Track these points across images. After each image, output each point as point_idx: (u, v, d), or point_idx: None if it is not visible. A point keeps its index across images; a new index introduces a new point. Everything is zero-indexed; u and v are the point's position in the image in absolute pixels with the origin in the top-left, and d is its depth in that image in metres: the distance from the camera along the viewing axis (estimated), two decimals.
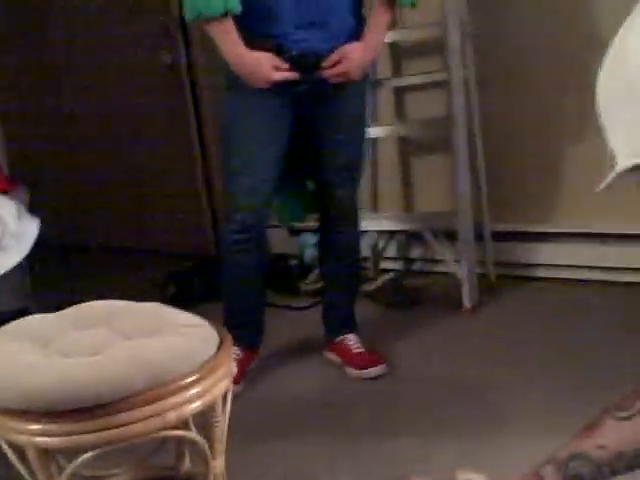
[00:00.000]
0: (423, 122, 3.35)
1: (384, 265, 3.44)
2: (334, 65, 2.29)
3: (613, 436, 1.07)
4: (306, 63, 2.28)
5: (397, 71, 3.42)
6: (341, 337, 2.60)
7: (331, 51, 2.29)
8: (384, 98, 3.45)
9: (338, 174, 2.46)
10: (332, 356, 2.61)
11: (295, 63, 2.27)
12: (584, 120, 2.89)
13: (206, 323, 1.78)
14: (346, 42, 2.30)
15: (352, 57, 2.28)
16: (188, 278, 3.54)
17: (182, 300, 3.26)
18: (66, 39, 4.57)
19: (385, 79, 3.38)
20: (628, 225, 2.94)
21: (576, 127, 2.97)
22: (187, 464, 1.97)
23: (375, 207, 3.51)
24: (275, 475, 1.97)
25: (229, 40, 2.25)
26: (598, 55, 0.95)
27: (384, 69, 3.39)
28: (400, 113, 3.45)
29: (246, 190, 2.38)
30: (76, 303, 1.85)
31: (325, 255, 2.65)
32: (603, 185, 0.89)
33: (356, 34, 2.33)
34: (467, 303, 2.94)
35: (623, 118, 0.84)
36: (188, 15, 2.25)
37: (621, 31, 0.87)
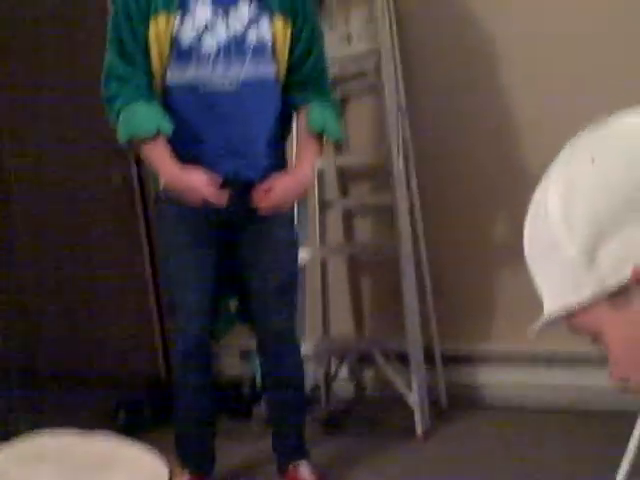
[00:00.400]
0: (371, 244, 3.39)
1: (336, 390, 3.40)
2: (263, 194, 2.32)
3: None
4: (234, 190, 2.32)
5: (345, 193, 3.47)
6: (292, 465, 2.54)
7: (259, 180, 2.33)
8: (332, 219, 3.50)
9: (271, 300, 2.44)
10: None
11: (223, 188, 2.31)
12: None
13: (156, 456, 1.73)
14: (272, 171, 2.34)
15: (280, 189, 2.33)
16: (139, 404, 3.46)
17: (133, 427, 3.18)
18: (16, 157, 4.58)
19: (333, 200, 3.44)
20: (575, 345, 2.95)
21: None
22: None
23: (326, 330, 3.50)
24: None
25: (163, 159, 2.30)
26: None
27: (332, 190, 3.45)
28: (348, 234, 3.49)
29: (184, 312, 2.41)
30: (21, 434, 1.79)
31: (267, 383, 2.62)
32: (535, 329, 0.91)
33: (281, 164, 2.39)
34: (419, 430, 2.90)
35: (549, 269, 0.87)
36: (121, 137, 2.29)
37: (543, 182, 0.89)
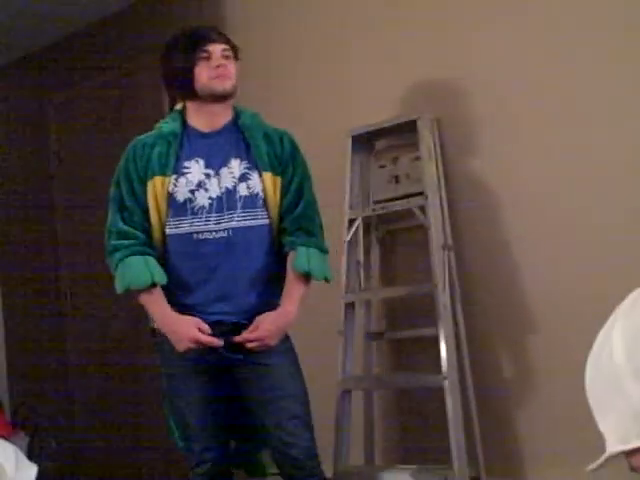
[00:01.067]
0: (417, 376, 3.46)
1: None
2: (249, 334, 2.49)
3: None
4: (222, 332, 2.50)
5: (391, 325, 3.58)
6: None
7: (247, 321, 2.51)
8: (379, 351, 3.59)
9: (283, 432, 2.51)
10: None
11: (214, 331, 2.49)
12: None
13: None
14: (261, 312, 2.52)
15: (265, 326, 2.50)
16: None
17: None
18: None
19: (380, 332, 3.54)
20: None
21: (574, 386, 3.06)
22: None
23: (368, 460, 3.52)
24: None
25: (157, 307, 2.52)
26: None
27: (379, 322, 3.57)
28: (395, 366, 3.57)
29: (196, 455, 2.56)
30: None
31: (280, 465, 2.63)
32: (594, 466, 0.91)
33: (275, 303, 2.56)
34: None
35: (611, 407, 0.89)
36: (119, 288, 2.52)
37: (607, 324, 0.92)
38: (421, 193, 3.26)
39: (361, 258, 3.49)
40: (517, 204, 3.23)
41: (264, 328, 2.50)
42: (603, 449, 0.91)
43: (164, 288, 2.52)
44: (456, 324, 3.20)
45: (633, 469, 0.89)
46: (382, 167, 3.50)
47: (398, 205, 3.38)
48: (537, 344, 3.20)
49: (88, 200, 4.43)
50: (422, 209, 3.24)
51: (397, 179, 3.44)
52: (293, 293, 2.58)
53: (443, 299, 3.11)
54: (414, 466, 3.26)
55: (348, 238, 3.45)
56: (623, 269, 2.81)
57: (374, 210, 3.47)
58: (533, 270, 3.19)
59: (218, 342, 2.49)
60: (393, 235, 3.58)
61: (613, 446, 0.89)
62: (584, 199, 3.05)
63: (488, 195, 3.29)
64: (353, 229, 3.45)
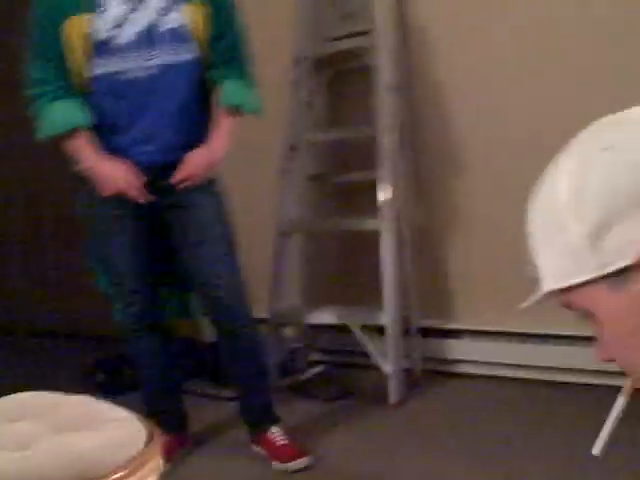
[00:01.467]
0: (355, 219, 3.48)
1: (313, 357, 3.50)
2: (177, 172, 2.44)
3: None
4: (151, 174, 2.44)
5: (334, 168, 3.56)
6: (263, 430, 2.63)
7: (176, 161, 2.44)
8: (319, 194, 3.58)
9: (210, 276, 2.51)
10: (258, 449, 2.64)
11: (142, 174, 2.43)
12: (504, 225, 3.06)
13: (134, 417, 1.80)
14: (188, 150, 2.45)
15: (193, 161, 2.44)
16: (117, 365, 3.52)
17: (111, 388, 3.25)
18: None
19: (321, 175, 3.52)
20: (548, 326, 3.08)
21: (499, 233, 3.12)
22: None
23: (305, 298, 3.59)
24: None
25: (85, 150, 2.43)
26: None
27: (322, 165, 3.54)
28: (336, 209, 3.58)
29: (121, 296, 2.56)
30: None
31: (224, 356, 2.67)
32: (527, 304, 0.92)
33: (202, 140, 2.48)
34: (393, 398, 3.01)
35: (550, 245, 0.88)
36: (43, 134, 2.43)
37: (552, 163, 0.90)
38: (370, 31, 3.14)
39: (307, 99, 3.40)
40: (474, 44, 3.17)
41: (192, 163, 2.43)
42: (537, 288, 0.91)
43: (93, 134, 2.43)
44: (403, 168, 3.18)
45: (566, 307, 0.89)
46: (333, 3, 3.35)
47: (346, 43, 3.27)
48: (478, 186, 3.23)
49: None
50: (370, 48, 3.14)
51: (348, 16, 3.31)
52: (222, 128, 2.50)
53: (385, 143, 3.08)
54: (348, 306, 3.34)
55: (294, 77, 3.35)
56: (560, 113, 2.85)
57: (322, 49, 3.35)
58: (480, 115, 3.17)
59: (144, 195, 2.43)
60: (342, 76, 3.49)
61: (548, 284, 0.89)
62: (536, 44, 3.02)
63: (443, 35, 3.21)
64: (299, 68, 3.34)
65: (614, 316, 0.85)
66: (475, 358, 3.29)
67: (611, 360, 0.89)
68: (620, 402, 0.97)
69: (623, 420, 0.96)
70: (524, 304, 0.93)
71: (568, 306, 0.89)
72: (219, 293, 2.51)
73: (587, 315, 0.88)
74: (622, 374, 0.93)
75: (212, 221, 2.51)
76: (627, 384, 0.95)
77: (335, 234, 3.59)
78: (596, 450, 0.98)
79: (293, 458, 2.53)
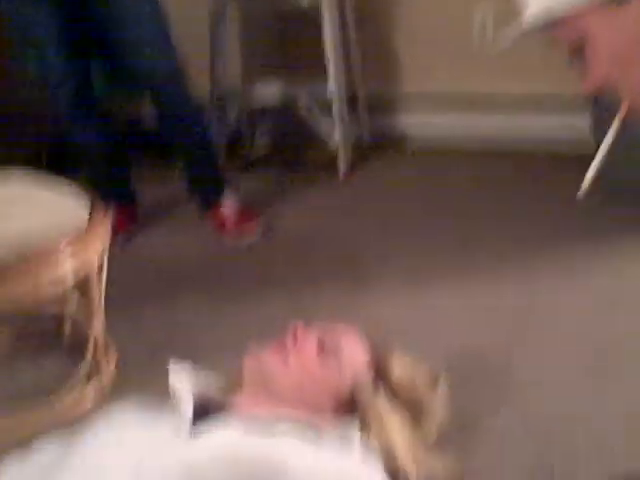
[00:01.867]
0: None
1: (260, 131, 3.44)
2: None
3: None
4: None
5: None
6: (214, 205, 2.62)
7: None
8: None
9: (143, 57, 2.36)
10: (209, 221, 2.65)
11: None
12: None
13: (78, 191, 1.76)
14: None
15: None
16: (62, 146, 3.42)
17: (57, 166, 3.17)
18: None
19: None
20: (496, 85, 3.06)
21: None
22: (68, 325, 2.00)
23: (249, 72, 3.46)
24: (158, 340, 2.03)
25: None
26: None
27: None
28: None
29: (51, 75, 2.41)
30: None
31: (167, 135, 2.60)
32: (510, 39, 0.89)
33: None
34: (341, 170, 3.02)
35: None
36: None
37: None
38: None
39: None
40: None
41: None
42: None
43: None
44: None
45: (551, 38, 0.87)
46: None
47: None
48: None
49: None
50: None
51: None
52: None
53: None
54: (292, 84, 3.25)
55: None
56: None
57: None
58: None
59: None
60: None
61: (535, 11, 0.84)
62: None
63: None
64: None
65: (609, 34, 0.83)
66: (425, 132, 3.27)
67: (605, 81, 0.87)
68: (614, 127, 0.95)
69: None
70: (505, 38, 0.88)
71: (555, 35, 0.86)
72: (154, 74, 2.39)
73: (577, 42, 0.85)
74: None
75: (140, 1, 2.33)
76: (623, 107, 0.92)
77: (275, 13, 3.40)
78: (581, 192, 0.97)
79: (244, 231, 2.56)
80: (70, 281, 1.59)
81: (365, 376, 1.32)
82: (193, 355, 1.83)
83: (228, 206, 2.62)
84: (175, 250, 2.55)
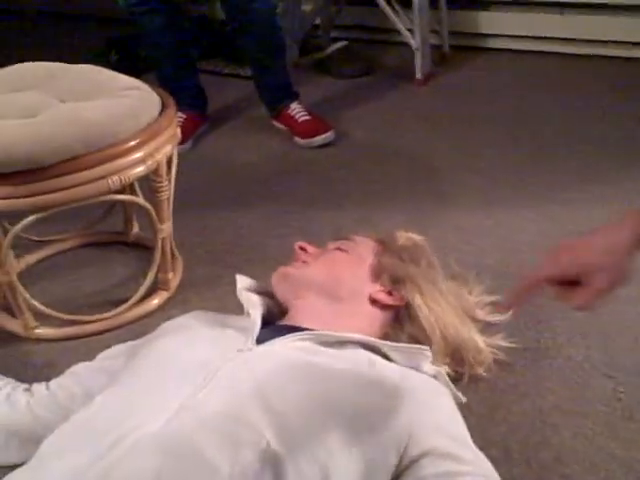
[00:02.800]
0: None
1: (336, 34, 3.30)
2: None
3: None
4: None
5: None
6: (283, 107, 2.53)
7: None
8: None
9: None
10: (280, 125, 2.56)
11: None
12: None
13: (148, 87, 1.71)
14: None
15: None
16: (131, 45, 3.35)
17: (126, 68, 3.10)
18: None
19: None
20: None
21: None
22: (135, 229, 1.98)
23: None
24: (223, 241, 1.98)
25: None
26: None
27: None
28: None
29: None
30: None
31: (237, 33, 2.48)
32: None
33: None
34: (419, 74, 2.87)
35: None
36: None
37: None
38: None
39: None
40: None
41: None
42: None
43: None
44: None
45: None
46: None
47: None
48: None
49: None
50: None
51: None
52: None
53: None
54: None
55: None
56: None
57: None
58: None
59: None
60: None
61: None
62: None
63: None
64: None
65: None
66: (506, 31, 3.09)
67: None
68: None
69: None
70: None
71: None
72: None
73: None
74: None
75: None
76: None
77: None
78: None
79: (316, 133, 2.46)
80: (139, 174, 1.54)
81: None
82: (259, 261, 1.80)
83: (299, 109, 2.52)
84: (244, 154, 2.48)
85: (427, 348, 1.23)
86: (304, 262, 1.35)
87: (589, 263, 0.93)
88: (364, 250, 1.36)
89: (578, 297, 0.93)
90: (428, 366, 1.21)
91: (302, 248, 1.38)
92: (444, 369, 1.25)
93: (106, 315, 1.67)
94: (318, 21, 3.23)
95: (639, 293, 1.61)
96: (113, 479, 0.93)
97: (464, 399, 1.23)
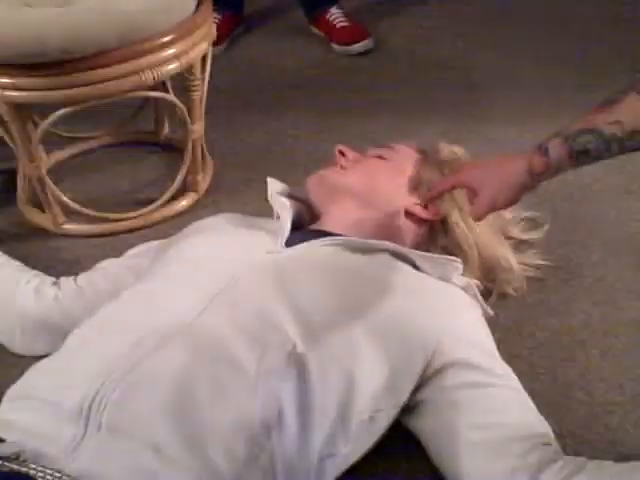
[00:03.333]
0: None
1: None
2: None
3: (633, 112, 0.97)
4: None
5: None
6: (322, 11, 2.46)
7: None
8: None
9: None
10: (317, 31, 2.49)
11: None
12: None
13: None
14: None
15: None
16: None
17: None
18: None
19: None
20: None
21: None
22: (166, 129, 1.95)
23: None
24: (254, 144, 1.95)
25: None
26: None
27: None
28: None
29: None
30: None
31: None
32: None
33: None
34: None
35: None
36: None
37: None
38: None
39: None
40: None
41: None
42: None
43: None
44: None
45: None
46: None
47: None
48: None
49: None
50: None
51: None
52: None
53: None
54: None
55: None
56: None
57: None
58: None
59: None
60: None
61: None
62: None
63: None
64: None
65: None
66: None
67: None
68: None
69: None
70: None
71: None
72: None
73: None
74: None
75: None
76: None
77: None
78: None
79: (355, 40, 2.39)
80: (172, 70, 1.51)
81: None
82: (291, 167, 1.77)
83: (338, 13, 2.44)
84: (280, 58, 2.42)
85: (458, 260, 1.21)
86: (343, 167, 1.32)
87: (479, 180, 1.11)
88: (404, 160, 1.32)
89: (472, 206, 1.13)
90: (458, 278, 1.20)
91: (342, 153, 1.34)
92: (474, 282, 1.23)
93: (134, 214, 1.66)
94: None
95: None
96: (142, 371, 0.94)
97: (492, 312, 1.22)
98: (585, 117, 1.02)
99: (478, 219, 1.15)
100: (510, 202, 1.10)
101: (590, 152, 1.00)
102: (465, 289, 1.19)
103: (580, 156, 1.01)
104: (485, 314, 1.19)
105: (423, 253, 1.21)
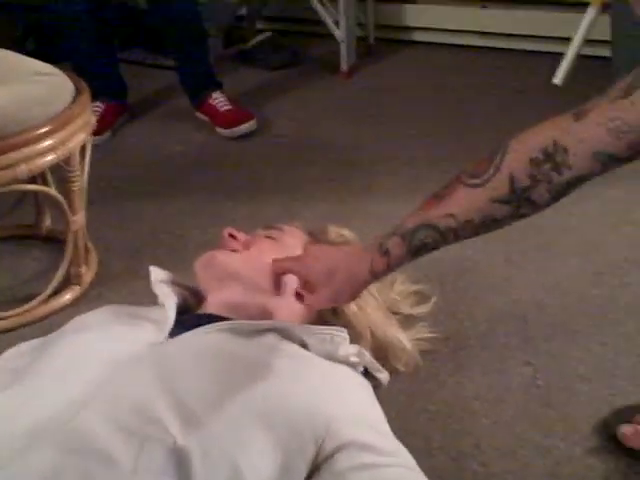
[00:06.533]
0: None
1: (261, 26, 3.26)
2: None
3: (463, 204, 1.02)
4: None
5: None
6: (205, 96, 2.48)
7: None
8: None
9: None
10: (202, 116, 2.51)
11: None
12: None
13: (61, 73, 1.64)
14: None
15: None
16: (49, 32, 3.24)
17: (44, 56, 3.01)
18: None
19: None
20: None
21: None
22: (47, 221, 1.90)
23: None
24: (142, 233, 1.93)
25: None
26: None
27: None
28: None
29: None
30: None
31: (159, 21, 2.44)
32: None
33: None
34: (344, 66, 2.85)
35: None
36: None
37: None
38: None
39: None
40: None
41: None
42: None
43: None
44: None
45: None
46: None
47: None
48: None
49: None
50: None
51: None
52: None
53: None
54: None
55: None
56: None
57: None
58: None
59: None
60: None
61: None
62: None
63: None
64: None
65: None
66: (431, 24, 3.10)
67: None
68: (590, 14, 0.88)
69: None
70: None
71: None
72: None
73: None
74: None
75: None
76: None
77: None
78: (557, 79, 0.92)
79: (238, 123, 2.42)
80: (49, 163, 1.48)
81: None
82: (179, 254, 1.75)
83: (220, 98, 2.47)
84: (166, 145, 2.42)
85: (344, 330, 1.20)
86: (233, 250, 1.31)
87: (321, 279, 1.16)
88: (294, 241, 1.32)
89: (311, 295, 1.18)
90: (347, 347, 1.18)
91: (231, 235, 1.33)
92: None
93: (15, 311, 1.60)
94: (244, 12, 3.19)
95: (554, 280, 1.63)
96: (12, 472, 0.88)
97: (388, 377, 1.22)
98: (419, 212, 1.07)
99: (314, 309, 1.21)
100: (351, 299, 1.19)
101: (428, 245, 1.05)
102: (358, 355, 1.17)
103: (419, 250, 1.06)
104: (381, 382, 1.19)
105: (308, 326, 1.20)
